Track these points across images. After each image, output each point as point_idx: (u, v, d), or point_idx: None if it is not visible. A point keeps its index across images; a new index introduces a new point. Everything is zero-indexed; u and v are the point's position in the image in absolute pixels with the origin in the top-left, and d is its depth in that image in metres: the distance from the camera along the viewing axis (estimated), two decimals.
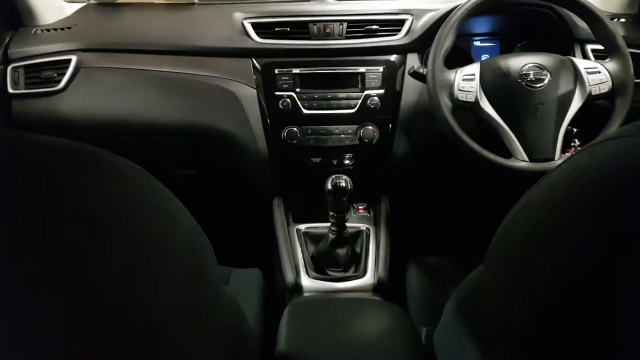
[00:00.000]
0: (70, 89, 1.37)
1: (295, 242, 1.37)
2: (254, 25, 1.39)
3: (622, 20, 1.41)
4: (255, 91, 1.37)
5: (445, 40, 1.17)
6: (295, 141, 1.37)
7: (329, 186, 1.19)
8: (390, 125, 1.40)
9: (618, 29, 1.19)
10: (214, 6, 1.53)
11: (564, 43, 1.37)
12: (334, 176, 1.20)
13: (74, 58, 1.38)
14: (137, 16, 1.53)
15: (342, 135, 1.38)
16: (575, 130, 1.22)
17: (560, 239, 0.42)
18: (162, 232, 0.39)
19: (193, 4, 1.58)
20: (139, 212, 0.38)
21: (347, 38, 1.38)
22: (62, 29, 1.46)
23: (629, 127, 0.43)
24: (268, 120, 1.38)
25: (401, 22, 1.39)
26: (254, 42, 1.38)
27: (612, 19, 1.39)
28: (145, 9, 1.55)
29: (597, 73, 1.16)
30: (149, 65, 1.39)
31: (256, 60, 1.38)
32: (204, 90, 1.37)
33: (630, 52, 1.16)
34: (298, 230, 1.41)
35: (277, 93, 1.36)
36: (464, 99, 1.16)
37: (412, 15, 1.40)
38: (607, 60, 1.18)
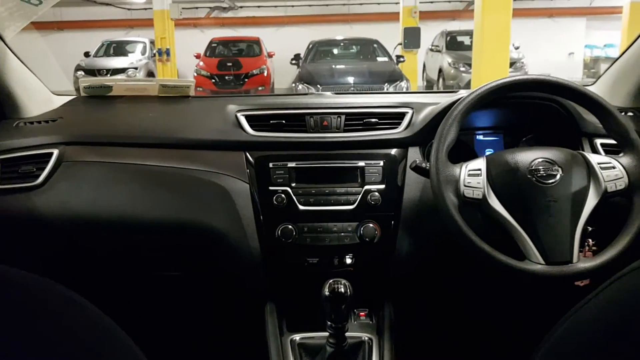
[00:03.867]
0: (49, 184, 1.31)
1: (289, 356, 1.26)
2: (247, 117, 1.37)
3: (630, 114, 1.39)
4: (247, 186, 1.32)
5: (448, 134, 1.13)
6: (290, 240, 1.30)
7: (326, 292, 1.11)
8: (392, 223, 1.33)
9: (630, 123, 1.16)
10: (208, 99, 1.52)
11: (571, 137, 1.34)
12: (331, 280, 1.12)
13: (55, 151, 1.33)
14: (128, 109, 1.51)
15: (341, 234, 1.31)
16: (589, 229, 1.15)
17: None
18: None
19: (187, 97, 1.57)
20: None
21: (345, 131, 1.36)
22: (47, 121, 1.43)
23: None
24: (261, 217, 1.31)
25: (401, 116, 1.37)
26: (248, 135, 1.35)
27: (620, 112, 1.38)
28: (137, 102, 1.54)
29: (611, 168, 1.11)
30: (136, 158, 1.35)
31: (249, 154, 1.34)
32: (193, 185, 1.32)
33: None
34: (292, 341, 1.30)
35: (271, 188, 1.31)
36: (471, 196, 1.11)
37: (412, 108, 1.38)
38: (621, 155, 1.13)
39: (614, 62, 1.52)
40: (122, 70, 11.06)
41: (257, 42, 11.74)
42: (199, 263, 1.43)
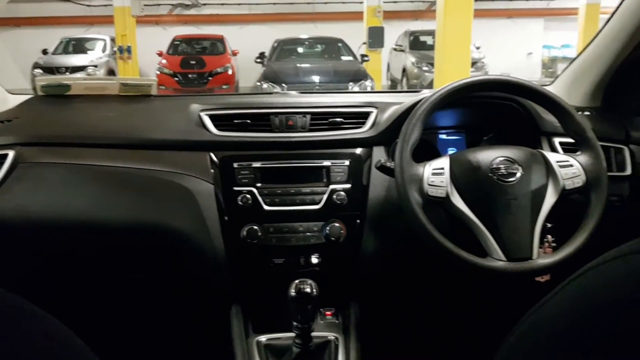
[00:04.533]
0: (4, 187, 1.26)
1: (254, 358, 1.25)
2: (211, 117, 1.35)
3: (587, 113, 1.43)
4: (212, 186, 1.30)
5: (412, 133, 1.14)
6: (255, 240, 1.29)
7: (292, 292, 1.10)
8: (358, 222, 1.34)
9: (587, 122, 1.19)
10: (171, 98, 1.50)
11: (530, 136, 1.37)
12: (297, 281, 1.12)
13: (11, 153, 1.29)
14: (87, 108, 1.47)
15: (307, 233, 1.31)
16: (549, 225, 1.18)
17: None
18: None
19: (150, 96, 1.54)
20: None
21: (310, 131, 1.35)
22: (2, 121, 1.38)
23: None
24: (226, 218, 1.30)
25: (366, 115, 1.38)
26: (212, 135, 1.33)
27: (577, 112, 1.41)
28: (97, 101, 1.50)
29: (569, 167, 1.13)
30: (96, 159, 1.31)
31: (213, 154, 1.32)
32: (156, 186, 1.30)
33: None
34: (259, 343, 1.28)
35: (235, 188, 1.30)
36: (435, 194, 1.12)
37: (376, 108, 1.39)
38: (579, 153, 1.16)
39: (571, 62, 1.56)
40: (81, 68, 10.78)
41: (221, 40, 11.61)
42: (163, 265, 1.40)
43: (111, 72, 11.29)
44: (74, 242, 1.32)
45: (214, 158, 1.32)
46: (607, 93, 1.45)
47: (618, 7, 1.35)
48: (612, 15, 1.38)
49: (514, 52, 14.14)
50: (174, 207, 1.29)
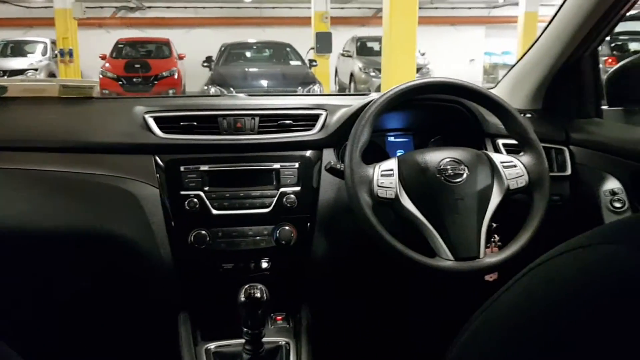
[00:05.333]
0: None
1: None
2: (156, 119, 1.31)
3: (528, 115, 1.47)
4: (157, 191, 1.26)
5: (361, 135, 1.14)
6: (204, 246, 1.26)
7: (242, 297, 1.09)
8: (308, 225, 1.33)
9: (529, 124, 1.22)
10: (114, 100, 1.45)
11: (475, 137, 1.40)
12: (247, 286, 1.10)
13: None
14: (25, 110, 1.40)
15: (257, 237, 1.29)
16: (494, 225, 1.21)
17: None
18: None
19: (91, 98, 1.48)
20: None
21: (259, 133, 1.33)
22: None
23: (591, 234, 0.41)
24: (173, 223, 1.27)
25: (315, 117, 1.37)
26: (157, 138, 1.29)
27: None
28: (35, 104, 1.43)
29: (513, 167, 1.16)
30: (34, 164, 1.25)
31: (159, 157, 1.28)
32: (99, 191, 1.25)
33: None
34: (207, 351, 1.25)
35: (182, 192, 1.26)
36: (384, 196, 1.12)
37: (325, 110, 1.38)
38: (521, 154, 1.19)
39: (512, 67, 1.60)
40: (20, 72, 10.34)
41: (166, 43, 11.40)
42: (109, 273, 1.35)
43: (52, 76, 10.89)
44: (12, 250, 1.25)
45: (160, 161, 1.28)
46: (548, 96, 1.50)
47: (556, 13, 1.40)
48: (550, 21, 1.42)
49: (457, 59, 14.55)
50: (117, 212, 1.25)
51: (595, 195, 1.31)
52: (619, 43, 8.34)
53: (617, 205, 1.28)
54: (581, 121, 1.47)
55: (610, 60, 7.61)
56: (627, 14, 1.33)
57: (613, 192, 1.29)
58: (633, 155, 1.27)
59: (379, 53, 9.52)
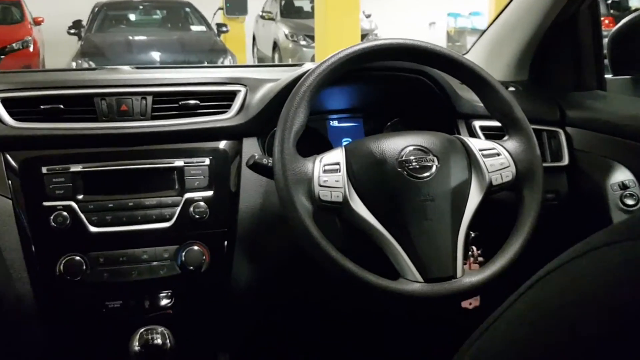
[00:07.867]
0: None
1: None
2: (5, 101, 1.29)
3: (512, 89, 1.51)
4: (9, 202, 1.26)
5: (295, 118, 1.14)
6: (79, 277, 1.25)
7: (136, 346, 1.09)
8: (225, 243, 1.34)
9: (514, 99, 1.25)
10: None
11: (444, 119, 1.43)
12: (143, 330, 1.10)
13: None
14: None
15: (154, 263, 1.30)
16: (472, 234, 1.23)
17: None
18: None
19: None
20: None
21: (153, 118, 1.34)
22: None
23: (611, 231, 0.42)
24: (33, 248, 1.25)
25: (231, 96, 1.38)
26: (6, 127, 1.28)
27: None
28: None
29: (496, 156, 1.19)
30: None
31: (10, 155, 1.26)
32: None
33: None
34: None
35: (46, 204, 1.25)
36: (329, 199, 1.12)
37: (245, 86, 1.39)
38: (506, 138, 1.22)
39: (485, 30, 1.65)
40: None
41: (16, 4, 11.07)
42: None
43: None
44: None
45: (11, 161, 1.27)
46: (535, 63, 1.55)
47: None
48: None
49: (412, 22, 14.88)
50: None
51: (600, 191, 1.35)
52: (617, 0, 8.83)
53: (630, 202, 1.32)
54: (579, 95, 1.52)
55: (607, 21, 8.03)
56: None
57: (623, 186, 1.34)
58: None
59: (310, 14, 9.59)
